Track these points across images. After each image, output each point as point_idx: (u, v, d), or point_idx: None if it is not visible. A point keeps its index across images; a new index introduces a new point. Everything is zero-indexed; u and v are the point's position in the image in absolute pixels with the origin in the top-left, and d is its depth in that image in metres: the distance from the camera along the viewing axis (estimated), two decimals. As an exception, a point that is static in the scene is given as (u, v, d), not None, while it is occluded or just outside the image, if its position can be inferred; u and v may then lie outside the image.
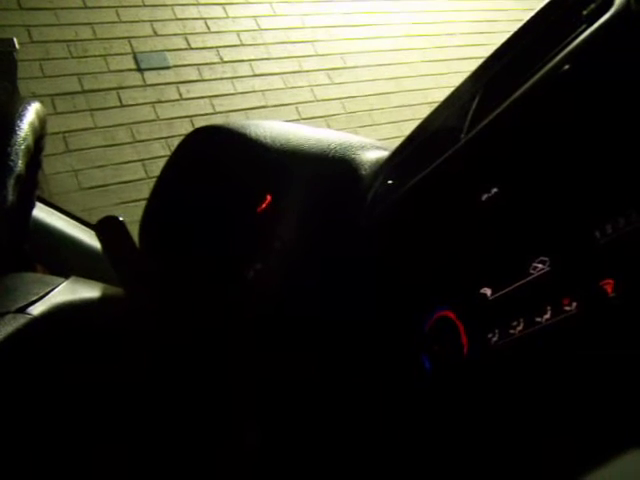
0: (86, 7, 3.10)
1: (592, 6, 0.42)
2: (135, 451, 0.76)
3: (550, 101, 0.42)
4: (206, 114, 3.23)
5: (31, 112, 0.60)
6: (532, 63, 0.47)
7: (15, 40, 2.57)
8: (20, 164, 0.54)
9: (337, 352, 0.66)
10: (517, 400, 0.47)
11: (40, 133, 0.62)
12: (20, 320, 0.68)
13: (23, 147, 0.55)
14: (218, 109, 3.28)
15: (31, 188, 0.68)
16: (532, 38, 0.50)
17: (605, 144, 0.39)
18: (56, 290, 0.75)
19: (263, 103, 3.42)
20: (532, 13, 0.52)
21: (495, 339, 0.48)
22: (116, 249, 0.76)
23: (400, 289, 0.60)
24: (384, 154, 0.72)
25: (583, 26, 0.42)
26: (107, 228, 0.76)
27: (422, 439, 0.57)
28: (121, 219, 0.77)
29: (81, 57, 3.00)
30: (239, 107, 3.33)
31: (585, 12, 0.43)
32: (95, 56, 3.04)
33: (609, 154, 0.39)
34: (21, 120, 0.57)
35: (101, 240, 0.76)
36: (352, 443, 0.65)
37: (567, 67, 0.40)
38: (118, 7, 3.20)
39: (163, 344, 0.78)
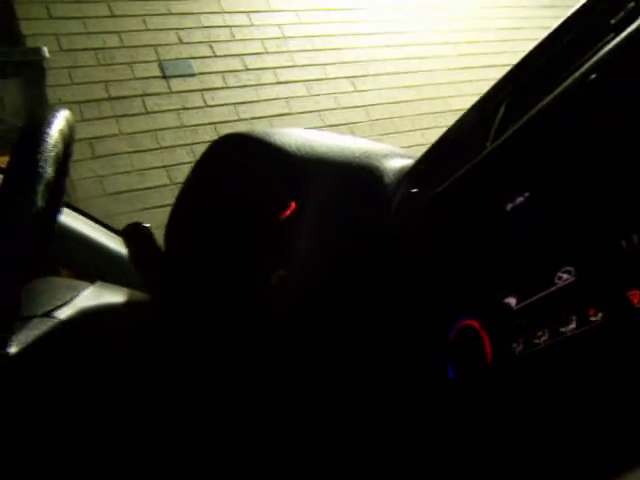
0: (114, 16, 3.15)
1: (621, 15, 0.42)
2: (156, 450, 0.77)
3: (577, 110, 0.42)
4: (230, 121, 3.25)
5: (60, 120, 0.61)
6: (559, 72, 0.46)
7: (45, 49, 2.61)
8: (49, 171, 0.55)
9: (361, 358, 0.66)
10: (540, 410, 0.46)
11: (68, 140, 0.63)
12: (47, 324, 0.69)
13: (52, 154, 0.56)
14: (242, 116, 3.30)
15: (59, 194, 0.70)
16: (559, 47, 0.50)
17: (632, 153, 0.39)
18: (82, 295, 0.76)
19: (287, 110, 3.44)
20: (559, 21, 0.51)
21: (519, 349, 0.48)
22: (142, 255, 0.77)
23: (425, 297, 0.60)
24: (408, 162, 0.72)
25: (611, 35, 0.42)
26: (133, 235, 0.77)
27: (446, 446, 0.57)
28: (147, 226, 0.78)
29: (108, 65, 3.04)
30: (263, 114, 3.35)
31: (613, 21, 0.43)
32: (121, 64, 3.08)
33: (636, 163, 0.39)
34: (51, 128, 0.58)
35: (128, 246, 0.77)
36: (377, 449, 0.65)
37: (594, 76, 0.40)
38: (145, 15, 3.23)
39: (188, 348, 0.78)
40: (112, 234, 0.98)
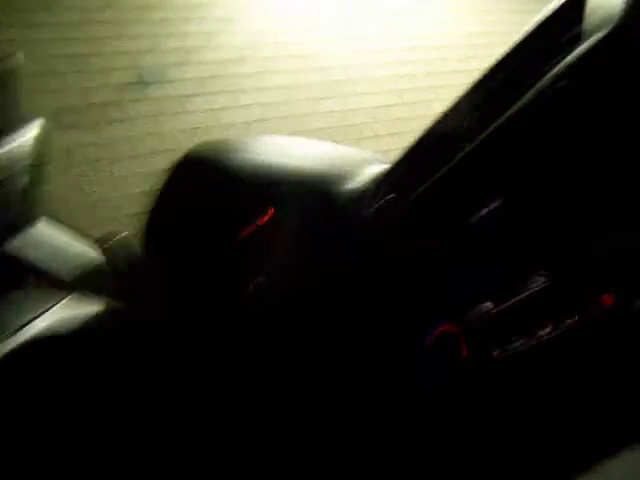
0: (88, 22, 3.12)
1: (589, 22, 0.43)
2: (135, 464, 0.76)
3: (545, 117, 0.43)
4: (208, 127, 3.24)
5: (35, 128, 0.60)
6: (528, 78, 0.47)
7: (20, 55, 2.58)
8: (25, 180, 0.55)
9: (340, 365, 0.66)
10: (518, 412, 0.47)
11: (44, 148, 0.63)
12: (24, 334, 0.68)
13: (28, 163, 0.56)
14: (222, 122, 3.29)
15: (35, 202, 0.69)
16: (527, 53, 0.50)
17: (603, 160, 0.39)
18: (59, 305, 0.75)
19: (266, 116, 3.43)
20: (528, 28, 0.52)
21: (496, 353, 0.48)
22: (120, 263, 0.76)
23: (403, 303, 0.60)
24: (384, 167, 0.72)
25: (579, 43, 0.42)
26: (111, 243, 0.76)
27: (424, 450, 0.57)
28: (125, 233, 0.77)
29: (83, 72, 3.01)
30: (242, 120, 3.34)
31: (582, 29, 0.43)
32: (97, 70, 3.06)
33: (609, 168, 0.40)
34: (26, 137, 0.58)
35: (105, 255, 0.76)
36: (357, 456, 0.64)
37: (563, 83, 0.40)
38: (120, 22, 3.21)
39: (167, 357, 0.78)
40: (90, 243, 0.97)
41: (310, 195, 0.73)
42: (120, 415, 0.76)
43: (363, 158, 0.74)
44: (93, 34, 3.12)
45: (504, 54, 0.55)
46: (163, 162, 2.97)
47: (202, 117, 3.26)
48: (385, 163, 0.74)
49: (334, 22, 3.95)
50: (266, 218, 0.77)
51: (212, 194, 0.82)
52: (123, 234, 0.77)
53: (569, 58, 0.42)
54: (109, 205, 2.83)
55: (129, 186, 2.91)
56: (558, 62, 0.44)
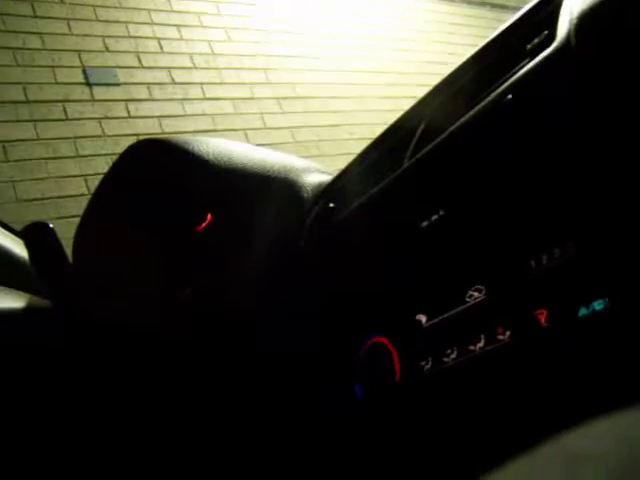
0: (36, 16, 3.04)
1: (535, 41, 0.43)
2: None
3: (491, 129, 0.43)
4: (153, 134, 3.18)
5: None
6: (476, 93, 0.47)
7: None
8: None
9: (272, 377, 0.65)
10: (447, 429, 0.46)
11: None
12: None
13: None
14: (166, 130, 3.24)
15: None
16: (477, 70, 0.51)
17: (543, 173, 0.40)
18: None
19: (212, 127, 3.41)
20: (478, 46, 0.52)
21: (428, 367, 0.48)
22: (44, 257, 0.72)
23: (337, 313, 0.59)
24: (327, 178, 0.72)
25: (526, 59, 0.43)
26: (35, 235, 0.72)
27: (351, 464, 0.56)
28: (51, 226, 0.73)
29: (27, 66, 2.93)
30: (188, 129, 3.31)
31: (529, 47, 0.44)
32: (42, 66, 2.98)
33: (547, 184, 0.40)
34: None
35: (28, 247, 0.72)
36: (286, 468, 0.63)
37: (509, 97, 0.41)
38: (70, 19, 3.15)
39: (88, 358, 0.75)
40: (14, 236, 0.92)
41: (250, 202, 0.71)
42: (40, 418, 0.73)
43: (306, 167, 0.73)
44: (41, 29, 3.04)
45: (454, 70, 0.55)
46: (105, 165, 2.92)
47: (148, 123, 3.21)
48: (325, 173, 0.73)
49: (288, 38, 3.97)
50: (204, 224, 0.75)
51: (151, 195, 0.80)
52: (50, 226, 0.74)
53: (516, 75, 0.42)
54: (44, 204, 2.74)
55: (68, 187, 2.83)
56: (506, 79, 0.44)
